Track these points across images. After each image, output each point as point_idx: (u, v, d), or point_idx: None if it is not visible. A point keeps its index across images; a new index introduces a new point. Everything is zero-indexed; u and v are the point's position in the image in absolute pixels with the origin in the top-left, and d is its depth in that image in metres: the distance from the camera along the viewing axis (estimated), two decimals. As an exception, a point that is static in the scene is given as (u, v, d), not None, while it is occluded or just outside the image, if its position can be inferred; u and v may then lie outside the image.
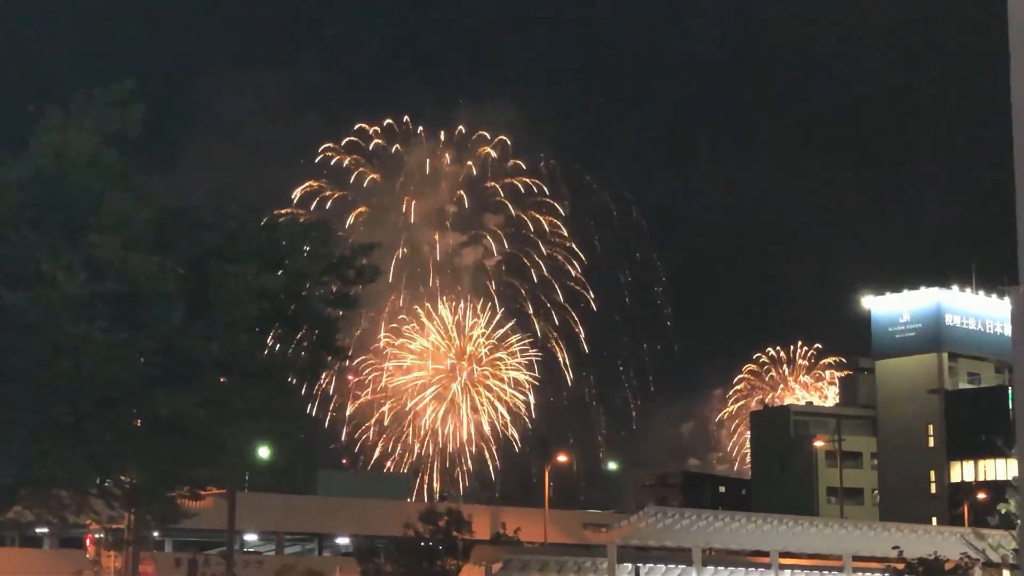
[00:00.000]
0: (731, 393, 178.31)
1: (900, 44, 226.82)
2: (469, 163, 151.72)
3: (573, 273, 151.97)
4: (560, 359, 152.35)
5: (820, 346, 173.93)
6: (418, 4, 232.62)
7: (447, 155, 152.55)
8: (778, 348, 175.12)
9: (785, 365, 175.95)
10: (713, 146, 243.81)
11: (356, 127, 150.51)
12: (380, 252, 40.54)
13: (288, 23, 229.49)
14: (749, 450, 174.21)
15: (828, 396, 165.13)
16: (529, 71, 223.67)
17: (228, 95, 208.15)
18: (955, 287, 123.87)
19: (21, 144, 34.57)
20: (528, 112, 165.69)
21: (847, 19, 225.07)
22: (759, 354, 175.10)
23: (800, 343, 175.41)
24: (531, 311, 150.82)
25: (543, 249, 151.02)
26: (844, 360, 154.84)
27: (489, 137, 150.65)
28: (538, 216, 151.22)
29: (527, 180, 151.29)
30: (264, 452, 42.68)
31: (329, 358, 40.82)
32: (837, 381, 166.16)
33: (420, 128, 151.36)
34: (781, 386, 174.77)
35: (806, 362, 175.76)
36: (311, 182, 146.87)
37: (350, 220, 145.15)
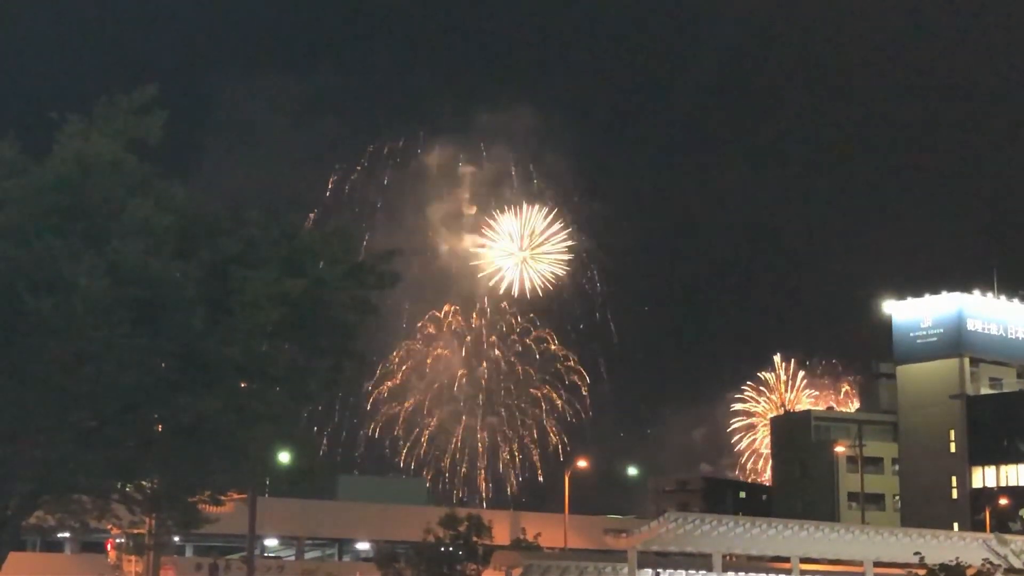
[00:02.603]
0: (739, 399, 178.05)
1: (922, 48, 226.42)
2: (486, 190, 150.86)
3: (592, 293, 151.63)
4: (580, 374, 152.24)
5: (836, 361, 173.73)
6: (436, 10, 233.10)
7: (466, 170, 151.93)
8: (791, 360, 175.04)
9: (789, 377, 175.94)
10: (732, 150, 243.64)
11: (370, 148, 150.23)
12: (398, 266, 40.40)
13: (305, 28, 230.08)
14: (759, 456, 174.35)
15: (833, 404, 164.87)
16: (547, 77, 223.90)
17: (245, 100, 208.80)
18: (977, 292, 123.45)
19: (44, 151, 34.78)
20: (547, 118, 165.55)
21: (867, 20, 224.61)
22: (763, 371, 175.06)
23: (817, 357, 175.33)
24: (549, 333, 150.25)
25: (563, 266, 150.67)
26: (856, 377, 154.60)
27: (510, 154, 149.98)
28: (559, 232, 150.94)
29: (549, 201, 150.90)
30: (285, 457, 42.74)
31: (349, 364, 40.82)
32: (851, 391, 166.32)
33: (436, 147, 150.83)
34: (793, 395, 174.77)
35: (825, 378, 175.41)
36: (319, 208, 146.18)
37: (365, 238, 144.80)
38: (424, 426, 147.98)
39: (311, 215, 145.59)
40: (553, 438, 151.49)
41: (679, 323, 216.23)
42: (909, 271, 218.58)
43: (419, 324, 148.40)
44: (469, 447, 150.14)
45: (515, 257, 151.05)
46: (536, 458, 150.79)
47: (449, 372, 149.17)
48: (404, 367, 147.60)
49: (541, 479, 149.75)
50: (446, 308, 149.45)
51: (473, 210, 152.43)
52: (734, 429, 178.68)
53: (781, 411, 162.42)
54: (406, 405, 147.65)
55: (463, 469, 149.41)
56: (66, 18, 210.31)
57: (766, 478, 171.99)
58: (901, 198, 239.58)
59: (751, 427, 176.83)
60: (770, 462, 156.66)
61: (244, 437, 36.04)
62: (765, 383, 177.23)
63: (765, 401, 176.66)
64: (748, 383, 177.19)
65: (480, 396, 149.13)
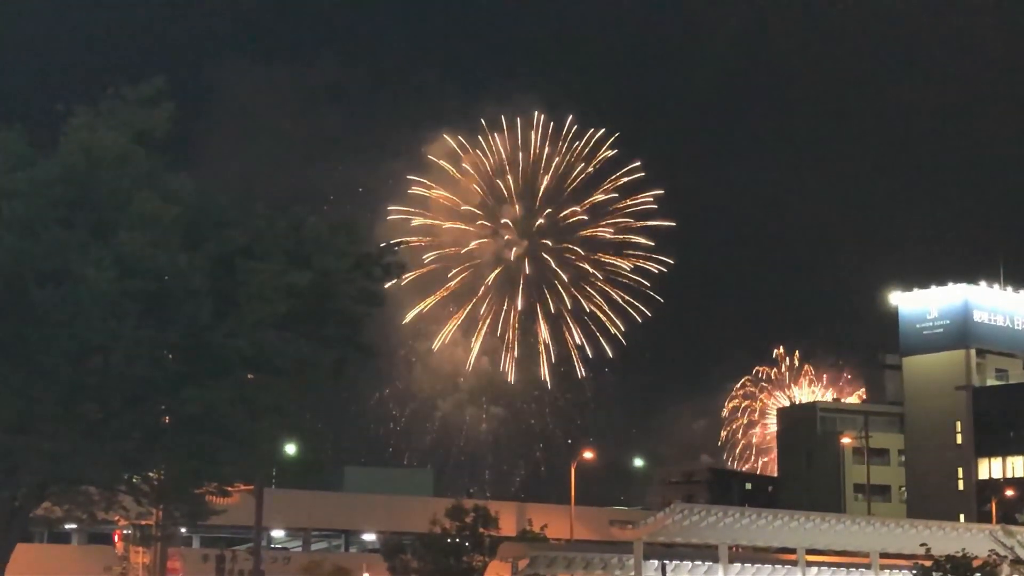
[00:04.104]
0: (737, 392, 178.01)
1: (928, 40, 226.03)
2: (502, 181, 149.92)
3: (595, 279, 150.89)
4: (576, 361, 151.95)
5: (838, 357, 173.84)
6: (442, 1, 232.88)
7: (470, 161, 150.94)
8: (794, 352, 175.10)
9: (788, 369, 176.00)
10: (741, 142, 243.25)
11: (375, 140, 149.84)
12: (404, 258, 40.44)
13: (311, 19, 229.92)
14: (760, 449, 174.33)
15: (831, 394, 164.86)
16: (555, 66, 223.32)
17: (251, 91, 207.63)
18: (983, 283, 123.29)
19: (51, 143, 34.84)
20: (554, 107, 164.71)
21: (870, 17, 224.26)
22: (765, 363, 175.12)
23: (820, 349, 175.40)
24: (541, 318, 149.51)
25: (570, 251, 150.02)
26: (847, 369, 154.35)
27: (516, 145, 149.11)
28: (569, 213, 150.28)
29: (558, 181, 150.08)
30: (291, 448, 42.87)
31: (356, 356, 40.88)
32: (850, 382, 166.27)
33: (442, 138, 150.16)
34: (793, 386, 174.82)
35: (822, 367, 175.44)
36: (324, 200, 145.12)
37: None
38: (430, 418, 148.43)
39: (319, 207, 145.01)
40: (557, 430, 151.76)
41: (682, 315, 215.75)
42: (915, 262, 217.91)
43: (421, 321, 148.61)
44: (475, 439, 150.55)
45: (516, 245, 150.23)
46: (541, 449, 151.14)
47: (454, 363, 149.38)
48: (409, 360, 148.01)
49: (544, 470, 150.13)
50: (450, 308, 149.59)
51: (477, 200, 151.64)
52: (735, 421, 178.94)
53: (785, 403, 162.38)
54: (411, 399, 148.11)
55: (470, 459, 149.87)
56: (72, 10, 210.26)
57: (758, 467, 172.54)
58: (907, 189, 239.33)
59: (752, 420, 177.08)
60: (772, 453, 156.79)
61: (251, 429, 36.13)
62: (768, 375, 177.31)
63: (764, 395, 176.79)
64: (748, 376, 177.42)
65: (485, 389, 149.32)
